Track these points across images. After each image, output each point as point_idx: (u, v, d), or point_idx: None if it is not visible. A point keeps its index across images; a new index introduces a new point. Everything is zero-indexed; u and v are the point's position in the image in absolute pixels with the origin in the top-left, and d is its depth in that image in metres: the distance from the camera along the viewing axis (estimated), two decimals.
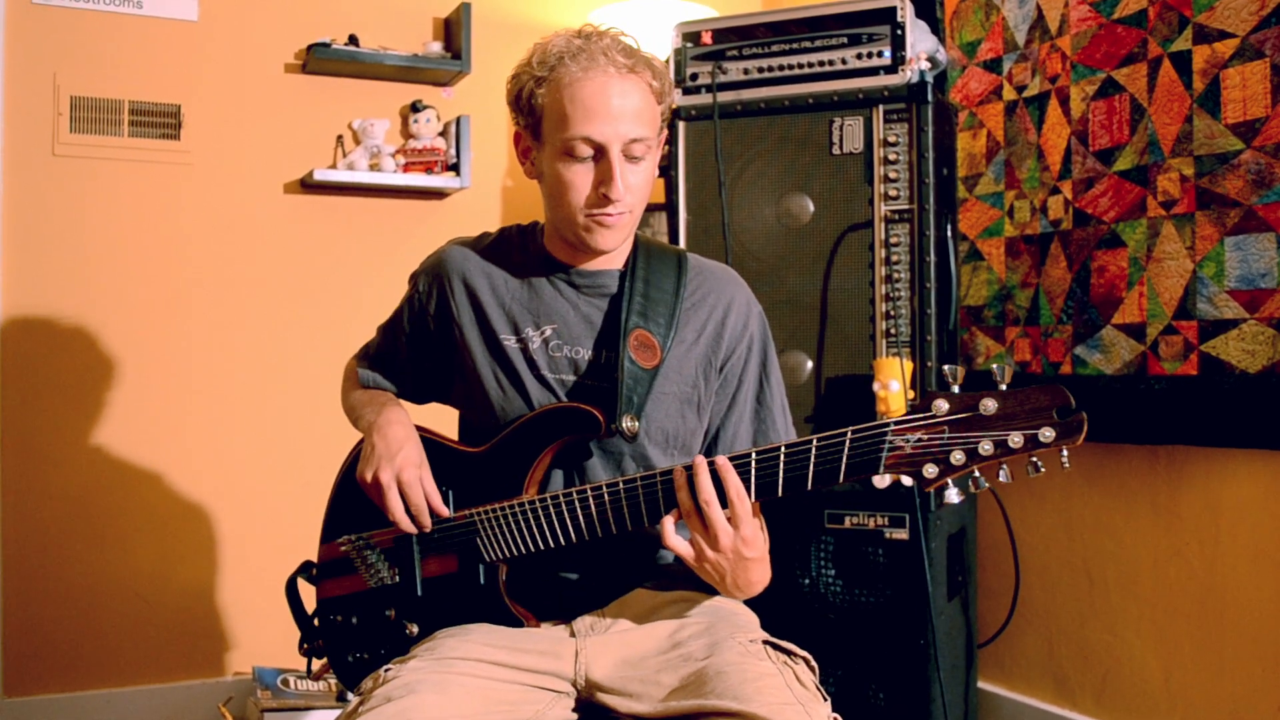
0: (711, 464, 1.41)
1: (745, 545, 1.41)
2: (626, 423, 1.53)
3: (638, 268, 1.63)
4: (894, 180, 2.50)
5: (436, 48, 3.22)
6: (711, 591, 1.64)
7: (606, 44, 1.52)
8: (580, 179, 1.52)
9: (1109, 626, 2.65)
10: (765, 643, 1.49)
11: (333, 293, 3.14)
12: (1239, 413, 2.30)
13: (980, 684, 2.92)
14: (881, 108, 2.52)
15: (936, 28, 2.98)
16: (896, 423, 1.33)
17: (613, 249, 1.60)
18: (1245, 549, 2.36)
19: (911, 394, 2.40)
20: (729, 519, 1.40)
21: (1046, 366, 2.72)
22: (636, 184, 1.54)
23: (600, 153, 1.51)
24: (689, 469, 1.42)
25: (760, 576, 1.49)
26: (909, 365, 2.43)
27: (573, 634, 1.55)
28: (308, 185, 3.10)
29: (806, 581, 2.55)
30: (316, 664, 1.77)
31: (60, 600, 2.85)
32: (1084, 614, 2.71)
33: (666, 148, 1.67)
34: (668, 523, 1.44)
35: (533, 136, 1.58)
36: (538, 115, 1.55)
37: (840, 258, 2.56)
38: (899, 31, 2.52)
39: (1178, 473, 2.48)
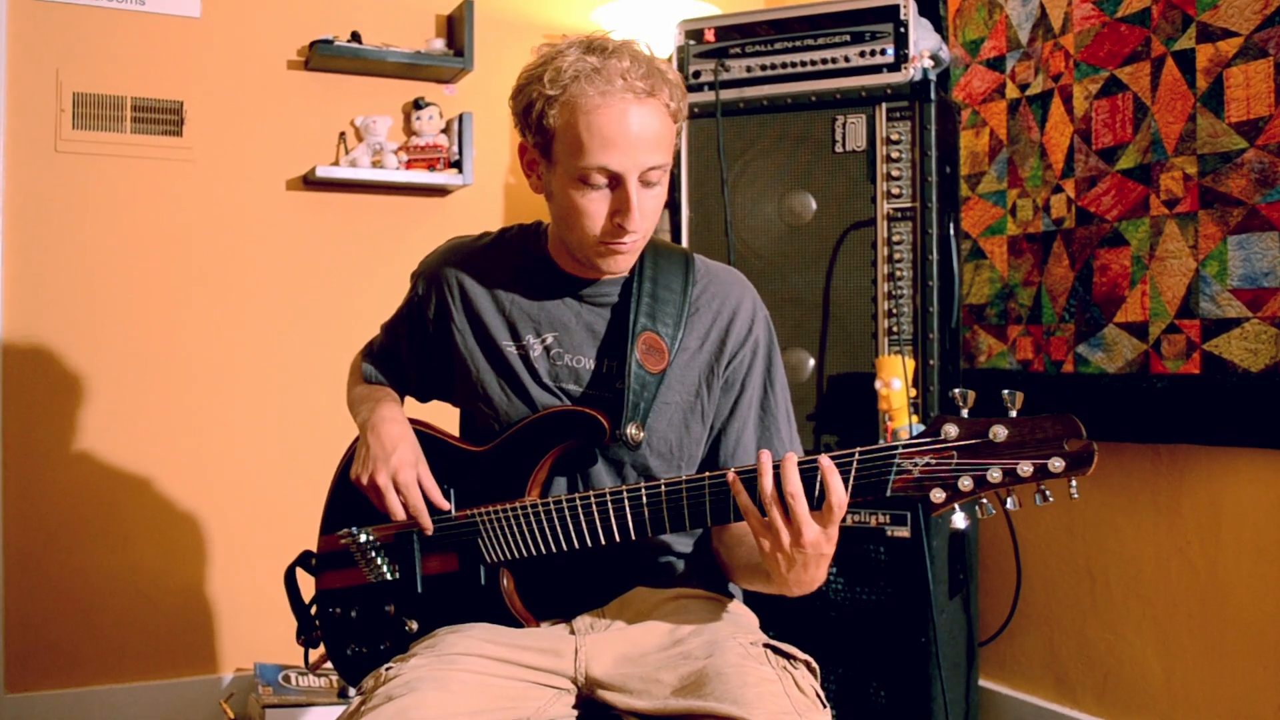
0: (812, 463, 1.33)
1: (828, 543, 1.35)
2: (631, 430, 1.52)
3: (645, 268, 1.61)
4: (896, 178, 2.50)
5: (439, 45, 3.21)
6: (710, 590, 1.64)
7: (625, 65, 1.42)
8: (595, 207, 1.47)
9: (1110, 625, 2.65)
10: (766, 646, 1.48)
11: (335, 290, 3.14)
12: (1241, 412, 2.30)
13: (981, 682, 2.92)
14: (884, 105, 2.52)
15: (939, 26, 2.98)
16: (905, 446, 1.31)
17: (623, 271, 1.58)
18: (1247, 548, 2.36)
19: (913, 392, 2.40)
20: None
21: (1049, 365, 2.72)
22: (651, 209, 1.50)
23: (616, 181, 1.46)
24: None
25: (824, 574, 1.42)
26: (911, 363, 2.43)
27: (572, 631, 1.55)
28: (310, 182, 3.10)
29: None
30: (314, 654, 1.77)
31: (62, 597, 2.85)
32: (1085, 612, 2.71)
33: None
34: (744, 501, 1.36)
35: (542, 154, 1.52)
36: (549, 135, 1.48)
37: (842, 256, 2.56)
38: (902, 29, 2.52)
39: (1180, 471, 2.48)
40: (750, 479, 1.36)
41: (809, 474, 1.33)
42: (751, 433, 1.63)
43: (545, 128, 1.48)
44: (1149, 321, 2.50)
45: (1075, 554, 2.73)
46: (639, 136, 1.44)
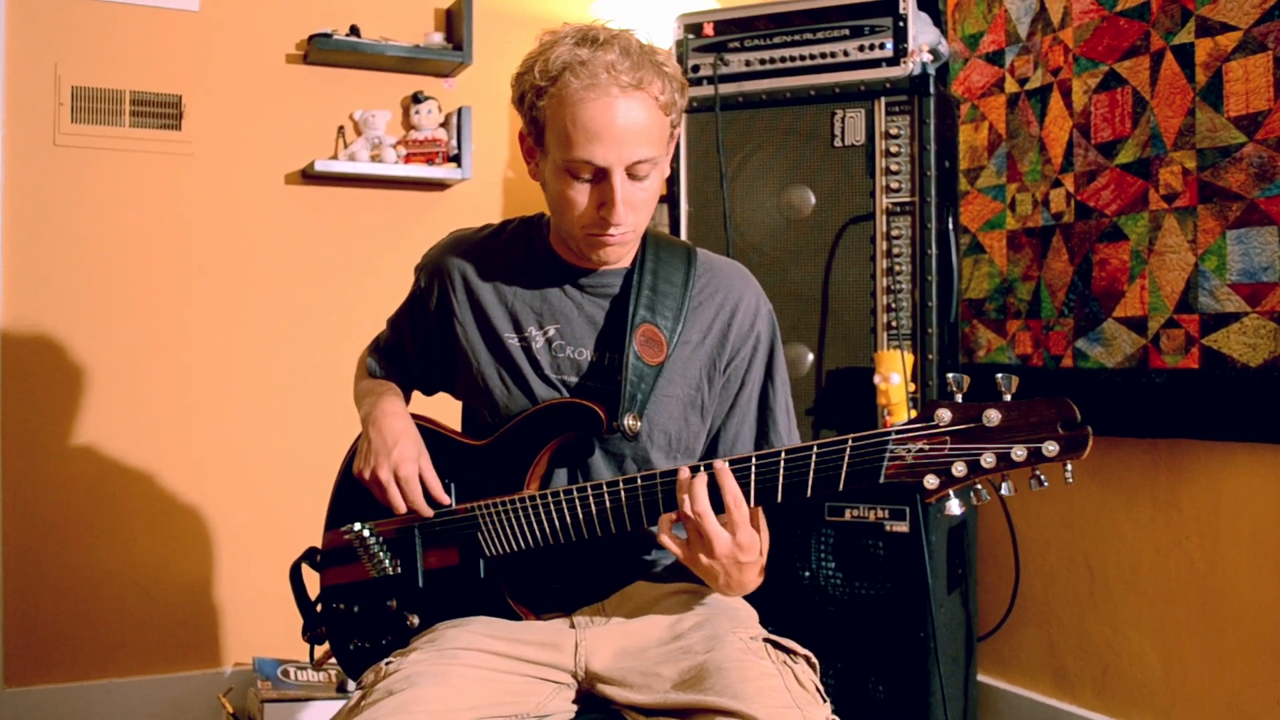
0: (709, 468, 1.39)
1: (741, 551, 1.39)
2: (628, 421, 1.52)
3: (646, 261, 1.61)
4: (895, 173, 2.50)
5: (438, 38, 3.21)
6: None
7: (612, 58, 1.42)
8: (581, 198, 1.48)
9: (1109, 620, 2.65)
10: (766, 640, 1.49)
11: (334, 284, 3.14)
12: (1240, 406, 2.30)
13: (980, 677, 2.92)
14: (883, 100, 2.52)
15: (939, 20, 2.97)
16: (898, 431, 1.30)
17: (615, 263, 1.58)
18: (1245, 542, 2.36)
19: (912, 386, 2.40)
20: (725, 524, 1.38)
21: (1048, 359, 2.72)
22: (641, 201, 1.50)
23: (602, 173, 1.46)
24: (695, 470, 1.40)
25: (754, 579, 1.47)
26: (910, 358, 2.43)
27: (572, 625, 1.55)
28: (309, 176, 3.10)
29: (807, 574, 2.55)
30: (319, 651, 1.77)
31: (61, 591, 2.85)
32: (1084, 607, 2.71)
33: (679, 131, 1.63)
34: (664, 521, 1.42)
35: (536, 143, 1.53)
36: (540, 126, 1.50)
37: (841, 250, 2.56)
38: (901, 24, 2.52)
39: (1178, 466, 2.48)
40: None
41: (742, 475, 1.37)
42: (750, 428, 1.64)
43: (536, 118, 1.50)
44: (1148, 316, 2.50)
45: (1074, 549, 2.73)
46: (623, 130, 1.44)
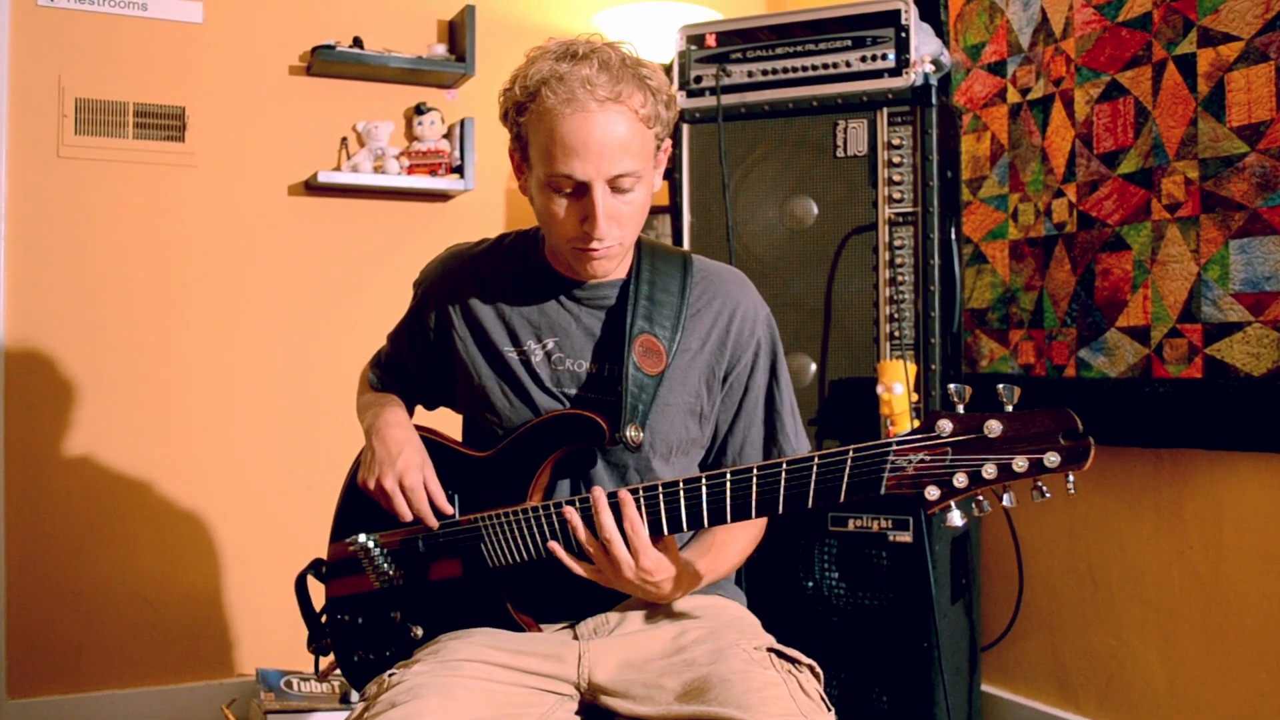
0: (613, 496, 1.42)
1: (647, 574, 1.42)
2: (630, 432, 1.52)
3: (642, 271, 1.61)
4: (898, 183, 2.50)
5: (440, 50, 3.22)
6: (713, 595, 1.64)
7: (589, 73, 1.42)
8: (565, 212, 1.48)
9: (1113, 629, 2.65)
10: (770, 650, 1.49)
11: (336, 295, 3.15)
12: (1243, 416, 2.30)
13: (984, 687, 2.92)
14: (886, 110, 2.52)
15: (941, 30, 2.98)
16: (898, 442, 1.29)
17: (603, 276, 1.58)
18: (1249, 552, 2.35)
19: (915, 397, 2.40)
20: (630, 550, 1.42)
21: (1050, 369, 2.72)
22: (626, 214, 1.50)
23: (583, 188, 1.46)
24: (585, 502, 1.44)
25: (673, 593, 1.49)
26: (913, 368, 2.43)
27: (576, 636, 1.55)
28: (312, 187, 3.11)
29: (810, 584, 2.55)
30: (324, 662, 1.77)
31: (64, 602, 2.85)
32: (1087, 617, 2.71)
33: (670, 144, 1.63)
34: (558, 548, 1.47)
35: (522, 158, 1.55)
36: (524, 141, 1.51)
37: (844, 260, 2.56)
38: (903, 34, 2.52)
39: (1182, 476, 2.48)
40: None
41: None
42: (758, 432, 1.65)
43: (520, 134, 1.51)
44: (1151, 325, 2.50)
45: (1077, 558, 2.73)
46: (602, 144, 1.44)
